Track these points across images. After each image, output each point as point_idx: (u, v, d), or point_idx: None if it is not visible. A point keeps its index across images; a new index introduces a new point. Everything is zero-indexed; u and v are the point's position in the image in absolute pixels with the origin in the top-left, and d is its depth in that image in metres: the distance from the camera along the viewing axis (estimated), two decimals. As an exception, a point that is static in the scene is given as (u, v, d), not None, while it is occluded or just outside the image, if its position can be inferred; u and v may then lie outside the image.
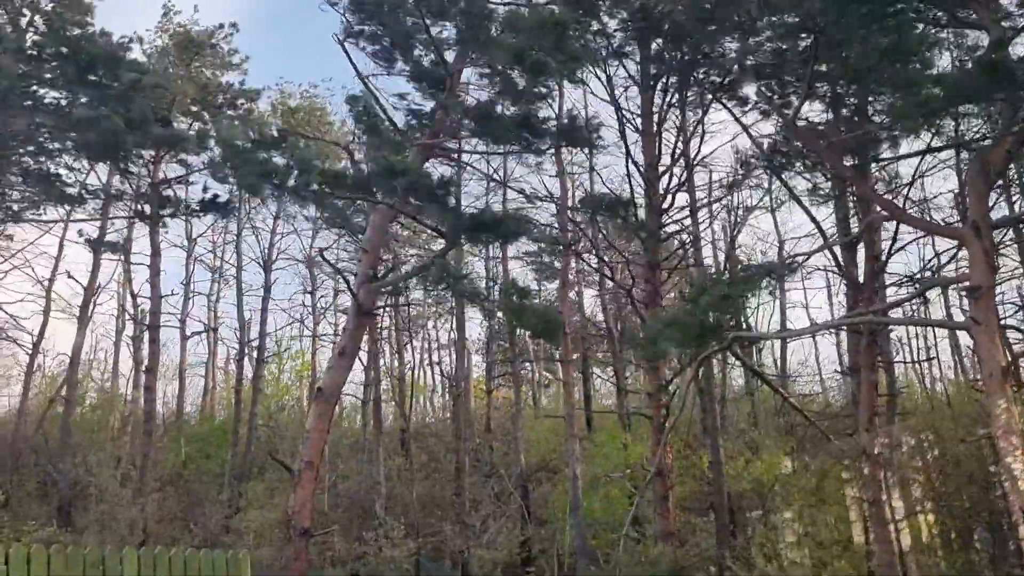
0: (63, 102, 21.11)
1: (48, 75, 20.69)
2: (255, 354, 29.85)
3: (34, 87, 21.26)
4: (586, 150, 21.82)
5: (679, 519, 18.69)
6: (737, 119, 16.02)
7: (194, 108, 28.28)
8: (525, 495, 23.05)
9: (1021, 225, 17.17)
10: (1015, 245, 18.11)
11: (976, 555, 16.86)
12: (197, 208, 24.90)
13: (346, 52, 15.73)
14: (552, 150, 20.49)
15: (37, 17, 21.42)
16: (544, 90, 16.25)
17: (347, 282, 16.55)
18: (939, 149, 13.13)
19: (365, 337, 27.79)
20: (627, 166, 17.72)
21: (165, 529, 22.04)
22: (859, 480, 15.91)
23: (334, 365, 15.53)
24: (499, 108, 16.23)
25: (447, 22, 15.97)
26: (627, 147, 17.68)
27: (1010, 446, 9.22)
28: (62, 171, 24.36)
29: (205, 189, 24.59)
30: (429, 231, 21.03)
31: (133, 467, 24.27)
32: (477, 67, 17.06)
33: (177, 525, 22.55)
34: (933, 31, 10.99)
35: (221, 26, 27.70)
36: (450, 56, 16.47)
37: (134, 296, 30.21)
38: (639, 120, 17.35)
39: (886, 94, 11.85)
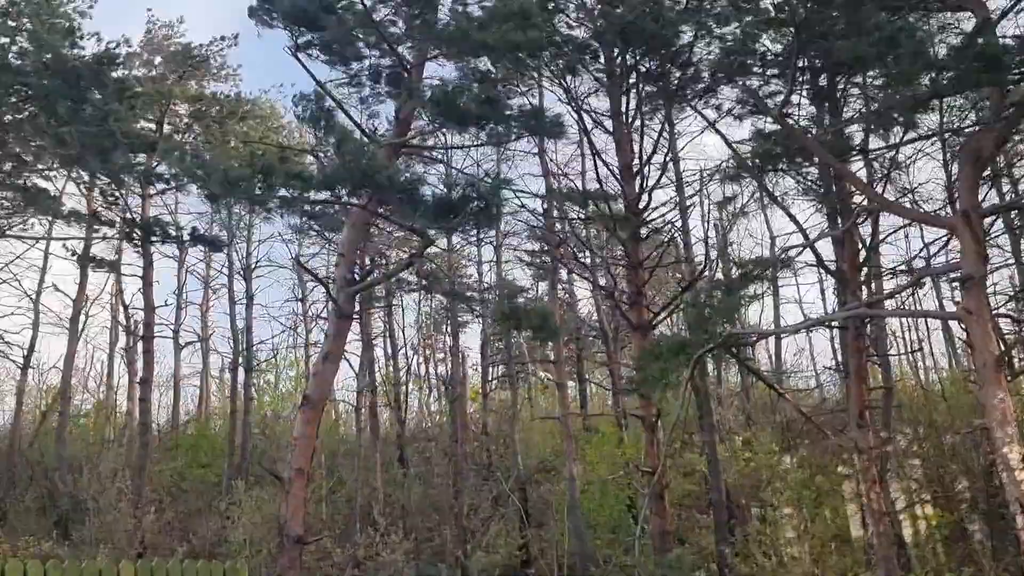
0: (47, 117, 21.06)
1: (33, 91, 20.65)
2: (246, 363, 29.80)
3: (22, 103, 21.26)
4: (577, 150, 21.92)
5: (678, 517, 18.71)
6: (711, 124, 16.06)
7: (186, 120, 28.32)
8: (523, 497, 23.02)
9: (1012, 213, 17.22)
10: (1006, 234, 18.19)
11: (975, 546, 16.90)
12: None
13: (300, 63, 15.66)
14: (535, 149, 20.57)
15: (19, 36, 21.35)
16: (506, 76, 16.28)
17: (326, 287, 16.52)
18: (927, 137, 13.15)
19: (358, 342, 27.90)
20: (596, 169, 17.88)
21: (163, 540, 21.94)
22: (855, 474, 15.94)
23: (319, 371, 15.50)
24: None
25: (397, 18, 15.92)
26: (594, 149, 17.86)
27: (1006, 436, 9.23)
28: (47, 185, 24.46)
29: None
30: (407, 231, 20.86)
31: (130, 479, 24.17)
32: (437, 59, 16.85)
33: (175, 536, 22.45)
34: (920, 18, 10.99)
35: (222, 38, 27.54)
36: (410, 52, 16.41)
37: (126, 308, 30.13)
38: (608, 122, 17.39)
39: (874, 85, 11.88)
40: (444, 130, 17.26)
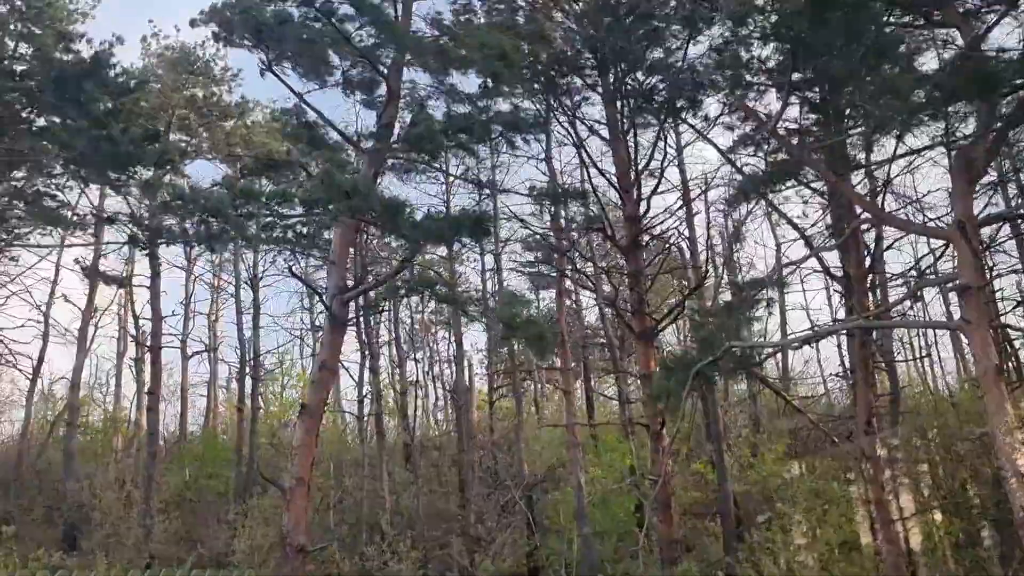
0: (54, 123, 21.15)
1: (37, 97, 20.73)
2: (253, 372, 29.85)
3: (26, 111, 21.34)
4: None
5: (685, 525, 18.65)
6: (703, 135, 16.11)
7: (186, 122, 28.37)
8: (530, 505, 22.96)
9: (1020, 221, 17.13)
10: (1014, 239, 18.07)
11: (984, 553, 16.80)
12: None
13: (277, 76, 15.60)
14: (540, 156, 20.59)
15: (22, 44, 21.44)
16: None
17: (320, 296, 16.55)
18: (921, 150, 13.14)
19: (361, 351, 27.93)
20: (588, 178, 17.90)
21: (171, 550, 21.97)
22: (863, 481, 15.88)
23: (316, 380, 15.53)
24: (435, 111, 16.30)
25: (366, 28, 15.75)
26: (590, 159, 17.93)
27: (1015, 442, 9.21)
28: (57, 192, 24.55)
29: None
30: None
31: (137, 488, 24.25)
32: (415, 68, 16.81)
33: (182, 546, 22.49)
34: (910, 33, 11.04)
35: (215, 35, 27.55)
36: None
37: (135, 318, 30.27)
38: (604, 130, 17.40)
39: (866, 99, 11.89)
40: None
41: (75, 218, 24.51)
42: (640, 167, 17.15)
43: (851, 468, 17.52)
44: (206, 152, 28.59)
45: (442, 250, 26.07)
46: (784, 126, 14.00)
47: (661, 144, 17.52)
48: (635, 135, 17.28)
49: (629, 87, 16.84)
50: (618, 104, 17.03)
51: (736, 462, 19.44)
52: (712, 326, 12.87)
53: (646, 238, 17.84)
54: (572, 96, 17.74)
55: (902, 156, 13.57)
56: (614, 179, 17.28)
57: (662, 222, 18.61)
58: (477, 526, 22.90)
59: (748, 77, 13.14)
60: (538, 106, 17.74)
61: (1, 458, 30.95)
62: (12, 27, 20.91)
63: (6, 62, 20.47)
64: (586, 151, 17.81)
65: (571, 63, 16.77)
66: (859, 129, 13.50)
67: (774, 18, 10.33)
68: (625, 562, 18.92)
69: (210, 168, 29.40)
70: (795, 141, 14.27)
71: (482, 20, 16.54)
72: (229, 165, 27.44)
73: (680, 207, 18.83)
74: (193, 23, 15.49)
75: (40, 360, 29.66)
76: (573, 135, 17.89)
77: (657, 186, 17.52)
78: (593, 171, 18.07)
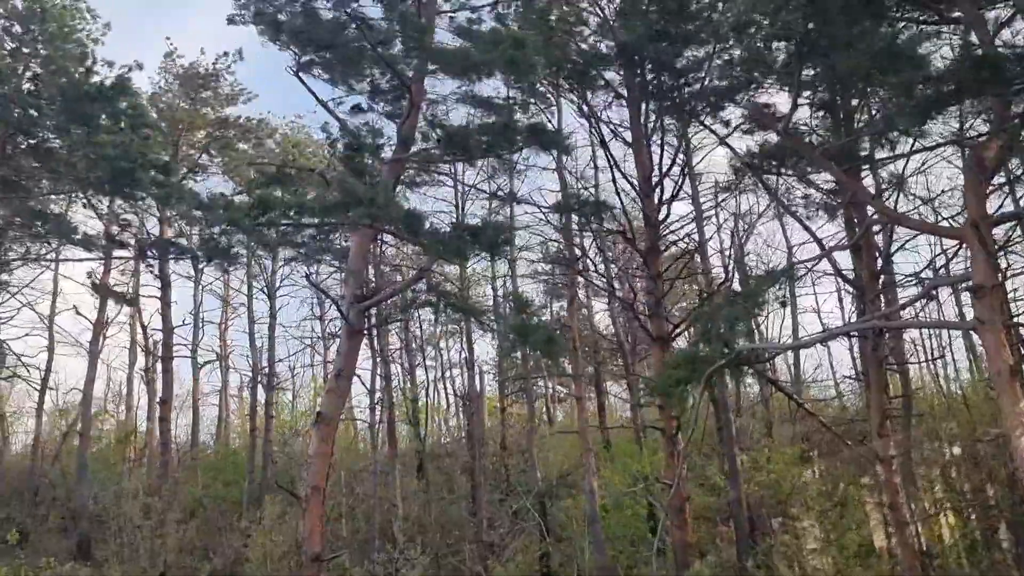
0: (61, 142, 21.35)
1: (47, 116, 20.90)
2: (266, 382, 29.88)
3: (35, 129, 21.51)
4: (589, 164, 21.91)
5: (699, 529, 18.57)
6: (721, 139, 16.10)
7: (202, 140, 28.59)
8: (542, 512, 22.91)
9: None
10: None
11: (1000, 554, 16.70)
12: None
13: (303, 83, 15.65)
14: (550, 164, 20.61)
15: (33, 63, 21.63)
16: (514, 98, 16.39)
17: (337, 304, 16.55)
18: (934, 148, 13.08)
19: (373, 359, 27.91)
20: (614, 181, 17.88)
21: (184, 559, 22.03)
22: (877, 484, 15.80)
23: (332, 388, 15.50)
24: (466, 120, 16.35)
25: (395, 38, 15.78)
26: (613, 161, 17.86)
27: (1026, 443, 9.14)
28: (60, 209, 24.76)
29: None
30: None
31: (151, 498, 24.30)
32: (437, 77, 16.75)
33: (196, 555, 22.53)
34: (922, 29, 10.99)
35: (225, 54, 27.77)
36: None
37: (144, 328, 30.34)
38: (627, 133, 17.39)
39: (878, 97, 11.86)
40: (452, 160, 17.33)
41: (80, 235, 24.59)
42: (663, 171, 17.17)
43: (865, 471, 17.45)
44: (220, 172, 28.88)
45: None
46: (796, 126, 13.98)
47: (683, 148, 17.57)
48: (662, 137, 17.31)
49: (655, 89, 16.84)
50: (642, 107, 17.06)
51: (749, 465, 19.33)
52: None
53: (665, 242, 17.86)
54: (605, 93, 17.76)
55: (915, 153, 13.50)
56: (635, 182, 17.28)
57: (682, 227, 18.64)
58: (489, 532, 22.85)
59: (758, 76, 13.12)
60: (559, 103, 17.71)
61: (14, 468, 31.08)
62: (25, 48, 21.10)
63: (14, 82, 20.62)
64: (609, 153, 17.84)
65: (597, 62, 16.78)
66: (870, 128, 13.45)
67: (780, 16, 10.29)
68: (639, 567, 18.86)
69: (224, 187, 29.28)
70: (807, 141, 14.25)
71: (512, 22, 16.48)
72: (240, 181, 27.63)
73: (694, 217, 18.86)
74: (231, 20, 15.43)
75: (48, 371, 29.82)
76: (597, 136, 17.96)
77: (678, 191, 17.55)
78: (612, 175, 18.05)
